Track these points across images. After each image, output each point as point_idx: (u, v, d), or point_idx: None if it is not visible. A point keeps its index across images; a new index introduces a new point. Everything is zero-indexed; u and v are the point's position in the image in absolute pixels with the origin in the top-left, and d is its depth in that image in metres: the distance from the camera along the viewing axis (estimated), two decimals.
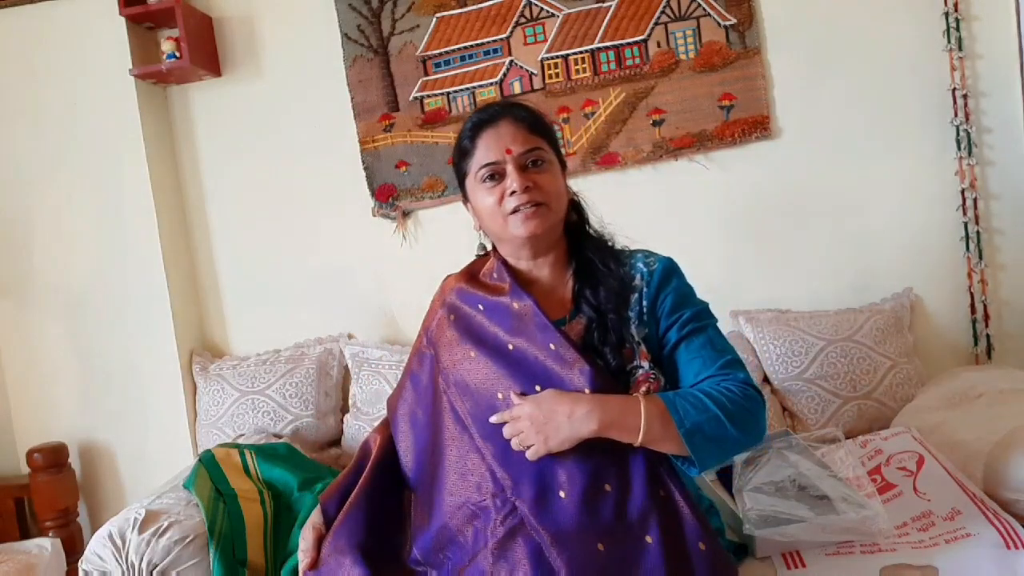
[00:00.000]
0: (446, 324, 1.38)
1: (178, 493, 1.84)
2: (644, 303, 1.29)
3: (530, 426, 1.20)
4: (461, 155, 1.34)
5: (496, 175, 1.29)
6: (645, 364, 1.26)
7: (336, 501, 1.39)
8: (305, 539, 1.35)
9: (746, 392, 1.22)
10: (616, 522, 1.18)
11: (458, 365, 1.33)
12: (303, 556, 1.33)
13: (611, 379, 1.25)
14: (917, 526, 1.50)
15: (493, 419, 1.25)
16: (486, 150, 1.29)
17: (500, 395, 1.28)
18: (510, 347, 1.29)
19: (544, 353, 1.26)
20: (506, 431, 1.23)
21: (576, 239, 1.38)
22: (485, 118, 1.31)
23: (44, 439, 2.35)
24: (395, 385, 1.56)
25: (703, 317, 1.30)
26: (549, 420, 1.19)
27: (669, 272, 1.32)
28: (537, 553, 1.15)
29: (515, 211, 1.28)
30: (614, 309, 1.27)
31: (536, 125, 1.31)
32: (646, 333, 1.29)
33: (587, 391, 1.22)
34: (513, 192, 1.27)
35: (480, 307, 1.35)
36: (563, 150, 1.41)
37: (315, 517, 1.39)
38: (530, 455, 1.21)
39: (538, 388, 1.25)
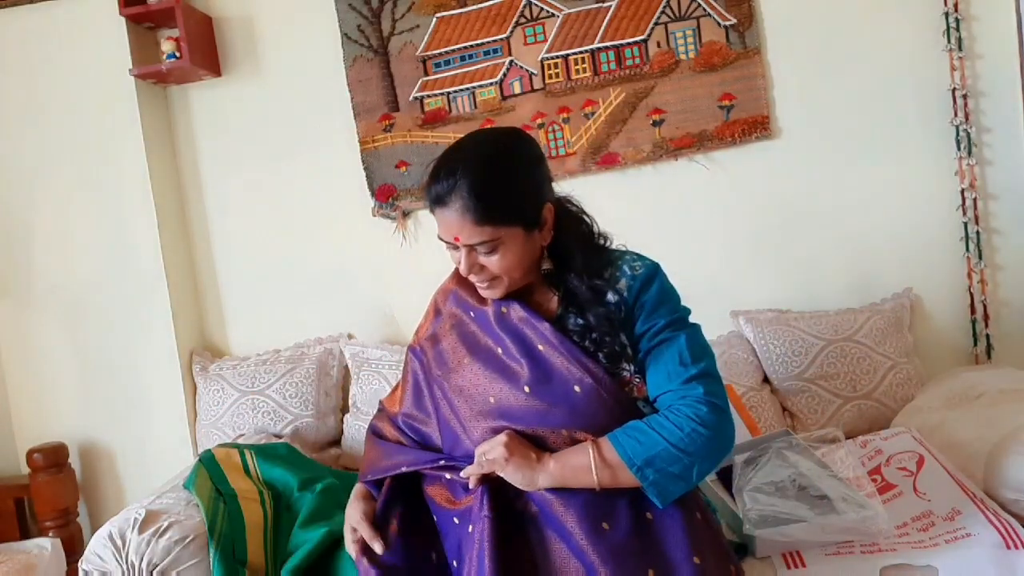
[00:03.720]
0: (446, 330, 1.41)
1: (178, 493, 1.84)
2: (624, 307, 1.28)
3: (503, 448, 1.24)
4: None
5: (453, 248, 1.30)
6: (632, 367, 1.28)
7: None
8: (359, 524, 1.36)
9: (698, 412, 1.18)
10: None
11: (454, 372, 1.36)
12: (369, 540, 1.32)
13: (604, 372, 1.26)
14: (917, 526, 1.50)
15: (465, 473, 1.28)
16: (440, 227, 1.29)
17: (492, 399, 1.30)
18: (499, 351, 1.31)
19: (535, 352, 1.28)
20: (478, 448, 1.28)
21: (562, 264, 1.34)
22: (439, 192, 1.24)
23: (44, 439, 2.35)
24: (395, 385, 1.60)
25: (677, 325, 1.28)
26: (517, 453, 1.23)
27: (650, 278, 1.29)
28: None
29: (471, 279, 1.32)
30: (605, 330, 1.27)
31: (487, 213, 1.21)
32: (626, 338, 1.29)
33: (586, 379, 1.24)
34: None
35: (471, 314, 1.38)
36: (539, 197, 1.29)
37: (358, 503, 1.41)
38: (483, 466, 1.25)
39: (527, 389, 1.27)
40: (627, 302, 1.28)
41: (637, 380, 1.27)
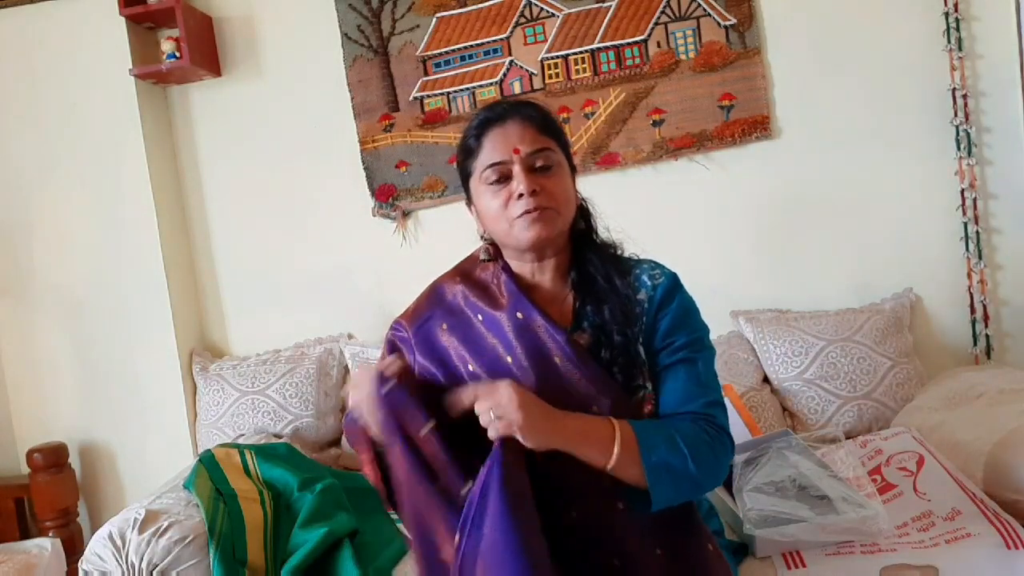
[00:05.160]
0: (444, 329, 1.28)
1: (178, 493, 1.84)
2: (644, 319, 1.23)
3: (510, 403, 1.07)
4: (466, 154, 1.27)
5: (502, 177, 1.22)
6: (649, 385, 1.21)
7: None
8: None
9: (719, 439, 1.17)
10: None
11: (456, 374, 1.26)
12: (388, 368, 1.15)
13: (624, 394, 1.20)
14: (917, 526, 1.50)
15: (468, 393, 1.11)
16: (492, 149, 1.22)
17: None
18: (508, 360, 1.22)
19: (552, 364, 1.20)
20: (481, 403, 1.09)
21: (581, 247, 1.31)
22: (492, 116, 1.24)
23: (44, 439, 2.35)
24: None
25: (696, 346, 1.23)
26: (529, 407, 1.08)
27: (672, 290, 1.25)
28: None
29: (521, 216, 1.21)
30: (620, 329, 1.21)
31: (547, 125, 1.25)
32: (644, 351, 1.24)
33: (603, 399, 1.17)
34: (520, 195, 1.20)
35: (479, 316, 1.27)
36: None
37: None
38: (498, 429, 1.07)
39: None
40: (648, 313, 1.23)
41: (651, 399, 1.22)
